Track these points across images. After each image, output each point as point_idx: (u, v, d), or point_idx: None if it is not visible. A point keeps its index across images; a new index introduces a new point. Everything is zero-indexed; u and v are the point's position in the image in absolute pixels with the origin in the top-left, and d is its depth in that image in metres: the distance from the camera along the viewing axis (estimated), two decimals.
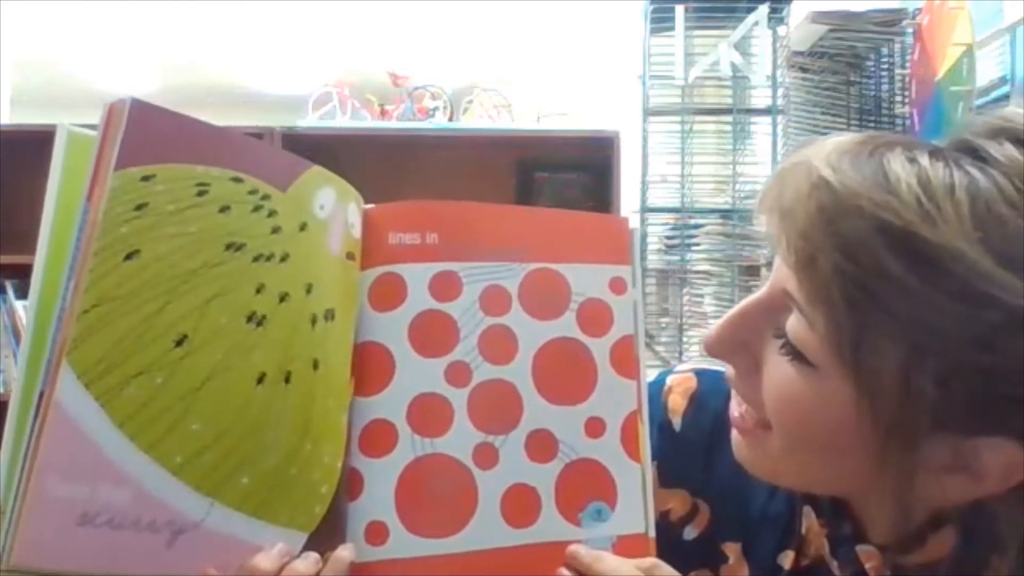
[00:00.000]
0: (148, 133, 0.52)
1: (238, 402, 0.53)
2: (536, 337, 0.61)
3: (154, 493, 0.51)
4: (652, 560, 0.58)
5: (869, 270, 0.47)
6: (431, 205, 0.63)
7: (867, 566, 0.59)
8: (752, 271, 2.68)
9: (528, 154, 2.61)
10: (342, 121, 2.94)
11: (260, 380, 0.54)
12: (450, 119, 3.04)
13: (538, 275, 0.62)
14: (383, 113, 3.23)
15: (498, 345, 0.61)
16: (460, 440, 0.59)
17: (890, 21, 2.62)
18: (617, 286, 0.63)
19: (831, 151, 0.52)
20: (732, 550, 0.66)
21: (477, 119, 3.14)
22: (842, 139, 0.54)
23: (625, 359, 0.62)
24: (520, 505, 0.59)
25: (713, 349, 0.57)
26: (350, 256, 0.60)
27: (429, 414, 0.59)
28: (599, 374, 0.62)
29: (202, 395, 0.52)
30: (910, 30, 2.56)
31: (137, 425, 0.51)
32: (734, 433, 0.60)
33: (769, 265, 2.54)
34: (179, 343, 0.52)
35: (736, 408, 0.59)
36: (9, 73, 4.60)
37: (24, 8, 4.52)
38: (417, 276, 0.61)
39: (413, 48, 4.99)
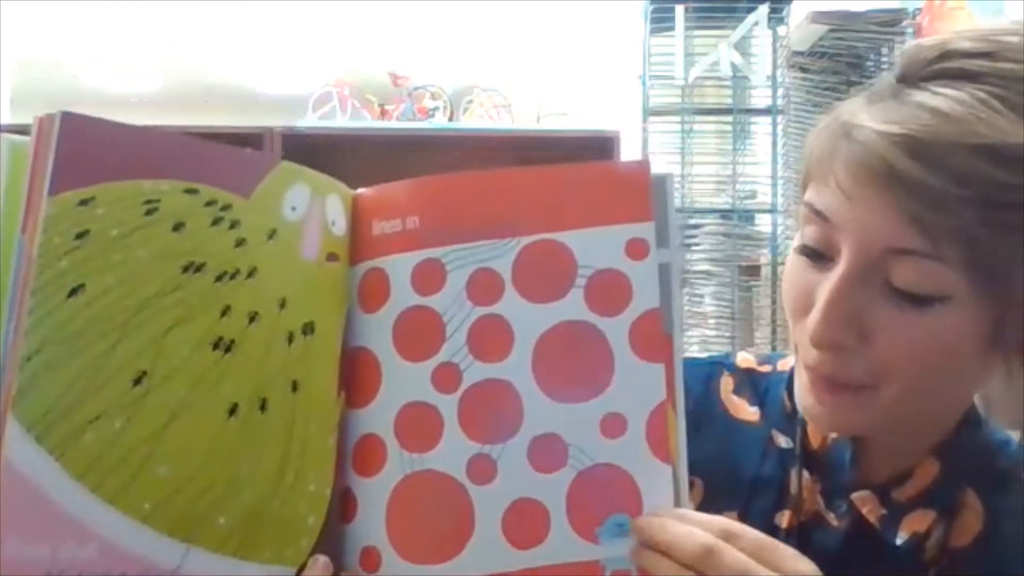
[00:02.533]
0: (83, 150, 0.47)
1: (209, 438, 0.49)
2: (535, 325, 0.53)
3: (122, 545, 0.47)
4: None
5: (987, 187, 0.51)
6: (411, 184, 0.56)
7: (864, 511, 0.63)
8: (752, 271, 2.67)
9: (528, 154, 2.60)
10: (342, 121, 2.95)
11: (232, 411, 0.50)
12: (450, 119, 3.05)
13: (535, 249, 0.54)
14: (383, 113, 3.24)
15: (490, 339, 0.53)
16: (452, 453, 0.53)
17: (890, 21, 2.61)
18: (636, 249, 0.53)
19: (859, 113, 0.56)
20: (730, 518, 0.67)
21: (477, 119, 3.15)
22: (850, 104, 0.58)
23: (649, 339, 0.53)
24: (525, 523, 0.52)
25: (826, 338, 0.56)
26: (332, 257, 0.55)
27: (417, 426, 0.53)
28: (616, 361, 0.53)
29: (168, 435, 0.48)
30: (910, 30, 2.56)
31: (98, 475, 0.46)
32: (822, 404, 0.59)
33: (768, 265, 2.55)
34: (137, 381, 0.48)
35: (827, 380, 0.58)
36: (9, 73, 4.60)
37: (24, 8, 4.52)
38: (399, 268, 0.55)
39: (413, 48, 4.99)
